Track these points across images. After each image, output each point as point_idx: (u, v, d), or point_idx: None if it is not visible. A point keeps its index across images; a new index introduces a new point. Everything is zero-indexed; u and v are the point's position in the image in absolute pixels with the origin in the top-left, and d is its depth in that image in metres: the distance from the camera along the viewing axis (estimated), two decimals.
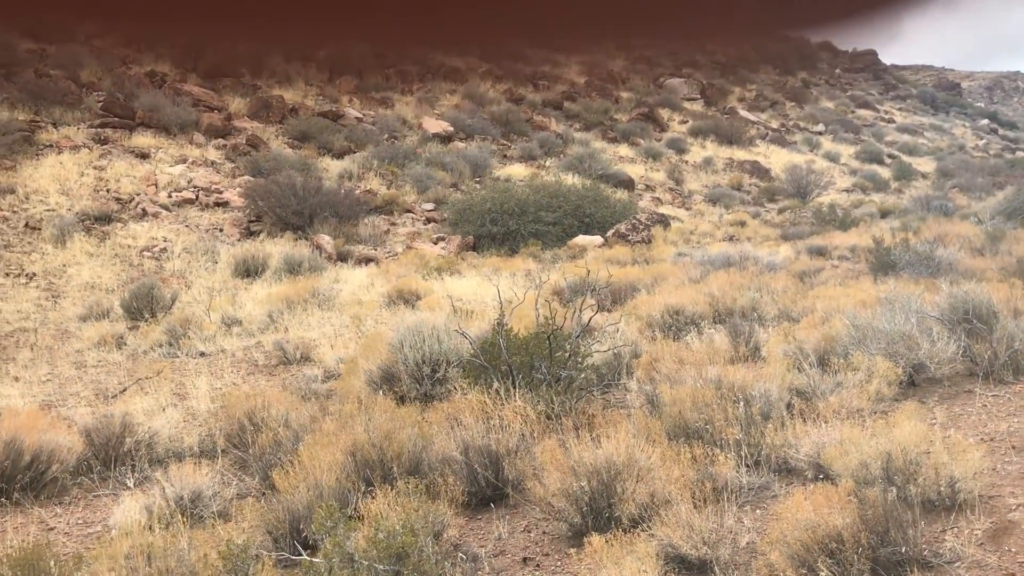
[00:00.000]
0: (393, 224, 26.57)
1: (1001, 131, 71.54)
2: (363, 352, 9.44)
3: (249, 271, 19.67)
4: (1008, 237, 19.52)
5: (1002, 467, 5.77)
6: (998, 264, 15.52)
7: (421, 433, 6.42)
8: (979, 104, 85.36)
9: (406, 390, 8.43)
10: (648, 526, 4.96)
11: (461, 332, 8.01)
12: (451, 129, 38.23)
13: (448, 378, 8.40)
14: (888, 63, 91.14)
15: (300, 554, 3.93)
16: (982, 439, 6.30)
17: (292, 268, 19.18)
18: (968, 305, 8.26)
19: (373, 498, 5.12)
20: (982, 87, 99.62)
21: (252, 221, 24.49)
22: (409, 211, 27.82)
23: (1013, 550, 4.60)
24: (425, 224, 27.19)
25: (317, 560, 3.53)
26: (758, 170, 41.93)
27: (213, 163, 28.82)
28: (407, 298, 15.01)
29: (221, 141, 30.66)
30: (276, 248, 21.64)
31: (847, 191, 41.45)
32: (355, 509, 5.10)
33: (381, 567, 3.38)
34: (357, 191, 27.32)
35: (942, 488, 5.16)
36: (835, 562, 4.34)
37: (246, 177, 27.19)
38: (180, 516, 5.49)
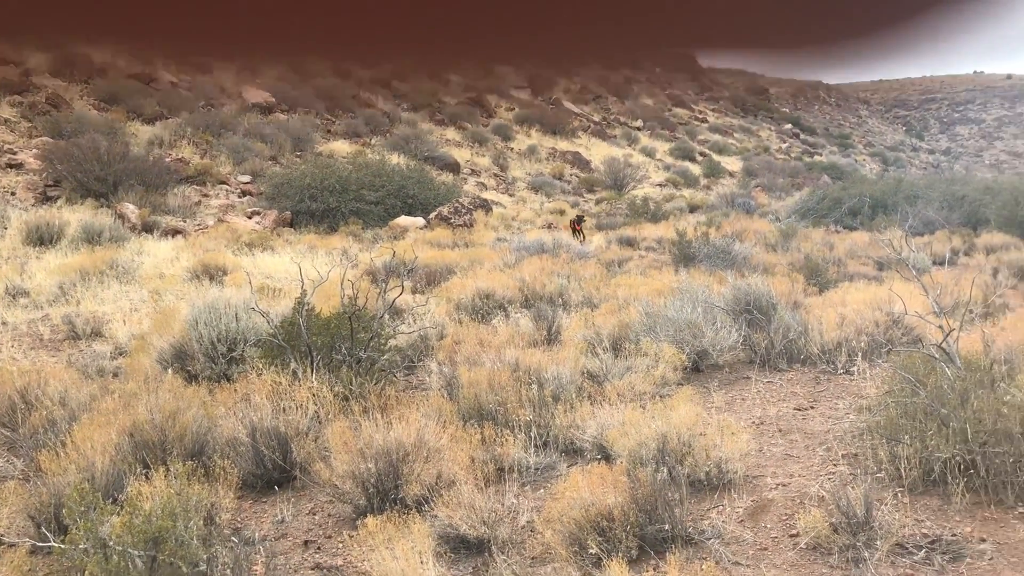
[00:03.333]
0: (205, 196, 25.46)
1: (802, 136, 76.86)
2: (156, 328, 8.98)
3: (43, 239, 18.26)
4: (799, 235, 21.03)
5: (767, 449, 6.20)
6: (788, 260, 16.69)
7: (207, 414, 6.19)
8: (784, 109, 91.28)
9: (200, 369, 8.10)
10: (431, 507, 5.00)
11: (259, 310, 7.77)
12: (273, 100, 37.04)
13: (245, 358, 8.13)
14: (705, 66, 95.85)
15: (57, 541, 3.69)
16: (753, 423, 6.75)
17: (91, 237, 17.98)
18: (750, 297, 8.82)
19: (150, 481, 4.90)
20: (788, 93, 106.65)
21: (50, 186, 22.79)
22: (224, 183, 26.73)
23: (768, 526, 4.95)
24: (240, 197, 26.22)
25: (68, 547, 3.32)
26: (579, 161, 43.10)
27: (7, 121, 26.62)
28: (213, 273, 14.40)
29: (17, 98, 28.33)
30: (75, 216, 20.20)
31: (660, 185, 43.32)
32: (126, 493, 4.85)
33: (136, 552, 3.23)
34: (168, 159, 26.01)
35: (711, 469, 5.49)
36: (605, 539, 4.53)
37: (44, 138, 25.27)
38: None
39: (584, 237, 21.77)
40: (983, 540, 4.49)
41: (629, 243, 20.87)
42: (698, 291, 8.98)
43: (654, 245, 20.79)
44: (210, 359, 8.14)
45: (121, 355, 9.67)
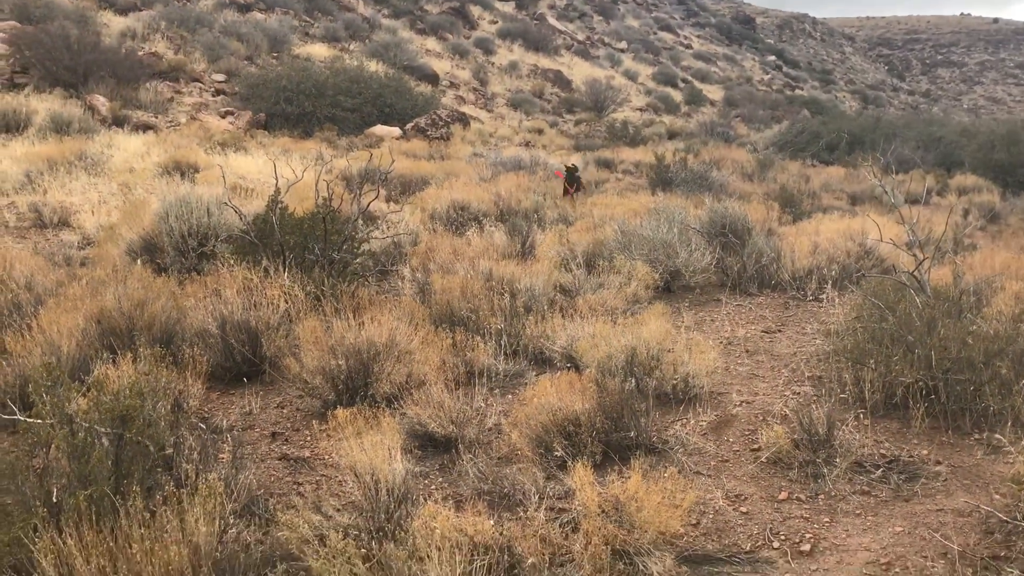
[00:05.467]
0: (178, 92, 24.81)
1: (785, 68, 76.24)
2: (125, 220, 8.84)
3: (9, 126, 17.77)
4: (776, 166, 21.03)
5: (734, 368, 6.28)
6: (764, 189, 16.72)
7: (176, 305, 6.13)
8: (769, 41, 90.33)
9: (169, 263, 8.00)
10: (401, 405, 5.02)
11: (232, 206, 7.64)
12: None
13: (216, 254, 8.03)
14: None
15: (24, 417, 3.65)
16: (721, 343, 6.82)
17: (60, 128, 17.53)
18: (726, 220, 8.83)
19: (117, 367, 4.86)
20: (774, 24, 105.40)
21: (17, 72, 22.04)
22: (197, 80, 26.04)
23: (731, 440, 5.04)
24: (214, 96, 25.59)
25: (34, 421, 3.30)
26: (561, 80, 42.48)
27: None
28: (184, 170, 14.14)
29: None
30: (43, 104, 19.64)
31: (641, 110, 42.92)
32: (93, 377, 4.81)
33: (103, 430, 3.21)
34: (140, 52, 25.19)
35: (677, 383, 5.56)
36: (571, 444, 4.59)
37: (12, 23, 24.34)
38: None
39: (578, 189, 14.36)
40: (939, 463, 4.60)
41: (606, 165, 20.75)
42: (674, 212, 8.97)
43: (631, 169, 20.70)
44: (180, 253, 8.03)
45: (89, 245, 9.53)
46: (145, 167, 14.84)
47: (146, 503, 3.10)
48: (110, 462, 3.27)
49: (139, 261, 7.68)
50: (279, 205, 7.54)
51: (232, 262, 7.26)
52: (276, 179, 7.73)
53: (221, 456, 4.52)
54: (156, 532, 2.88)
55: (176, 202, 8.35)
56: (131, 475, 3.30)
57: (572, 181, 14.12)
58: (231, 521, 3.37)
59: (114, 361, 5.03)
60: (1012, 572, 3.19)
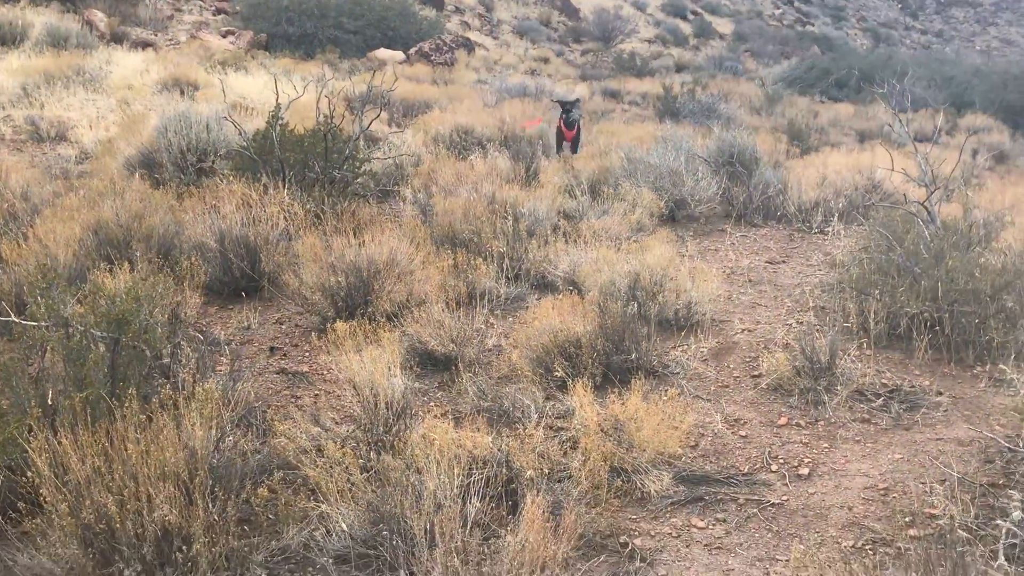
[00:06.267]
0: (178, 10, 24.32)
1: (796, 3, 74.64)
2: (124, 134, 8.69)
3: (4, 39, 17.41)
4: (785, 101, 20.72)
5: (737, 297, 6.23)
6: (771, 123, 16.49)
7: (175, 218, 6.05)
8: None
9: (168, 178, 7.88)
10: (401, 323, 4.98)
11: (232, 120, 7.50)
12: None
13: (215, 170, 7.92)
14: None
15: (18, 320, 3.59)
16: (724, 272, 6.76)
17: (57, 42, 17.17)
18: (734, 150, 8.69)
19: (114, 276, 4.81)
20: None
21: None
22: None
23: (731, 366, 5.01)
24: (215, 15, 25.09)
25: (30, 323, 3.25)
26: (568, 8, 41.61)
27: None
28: (184, 88, 13.89)
29: None
30: (40, 18, 19.20)
31: (649, 41, 42.14)
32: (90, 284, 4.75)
33: (99, 333, 3.16)
34: None
35: (680, 309, 5.51)
36: (571, 365, 4.56)
37: None
38: None
39: (577, 138, 10.93)
40: (940, 393, 4.58)
41: (613, 95, 20.45)
42: (682, 140, 8.82)
43: (638, 100, 20.40)
44: (179, 168, 7.91)
45: (86, 159, 9.39)
46: (144, 84, 14.58)
47: (143, 407, 3.07)
48: (106, 366, 3.23)
49: (137, 175, 7.57)
50: (280, 121, 7.41)
51: (231, 178, 7.16)
52: (276, 94, 7.57)
53: (219, 368, 4.49)
54: (152, 435, 2.85)
55: (175, 117, 8.21)
56: (127, 380, 3.26)
57: (571, 126, 10.54)
58: (228, 429, 3.34)
59: (111, 271, 4.96)
60: (1012, 496, 3.18)
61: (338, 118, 7.58)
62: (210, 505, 2.81)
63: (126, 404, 2.90)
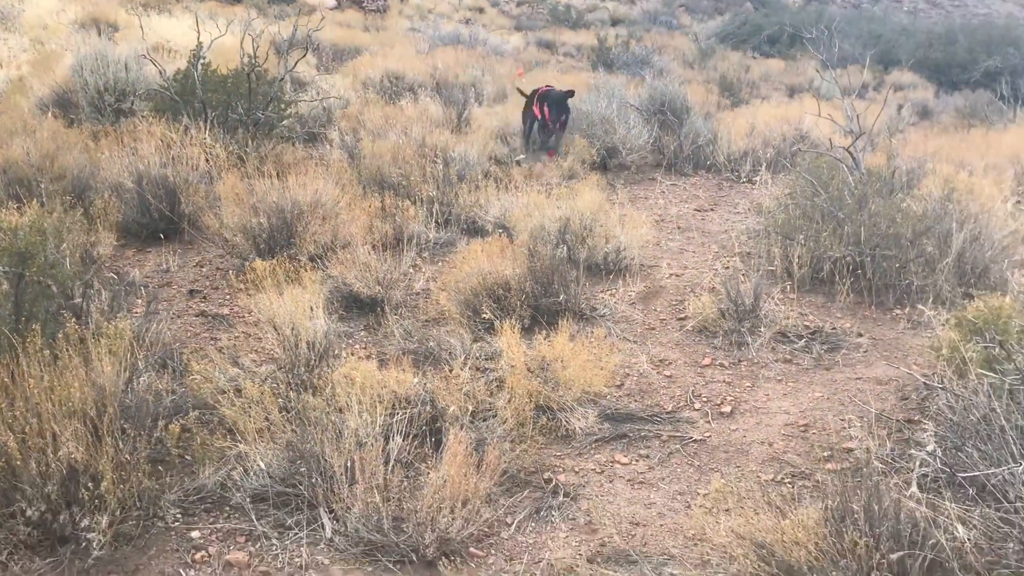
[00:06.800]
0: None
1: None
2: (37, 72, 8.30)
3: None
4: (717, 56, 20.81)
5: (665, 243, 6.26)
6: (704, 77, 16.53)
7: (91, 158, 5.80)
8: None
9: (84, 118, 7.55)
10: (325, 266, 4.87)
11: (151, 59, 7.20)
12: None
13: (135, 111, 7.61)
14: None
15: None
16: (654, 219, 6.76)
17: None
18: (665, 98, 8.68)
19: (22, 214, 4.58)
20: None
21: None
22: None
23: (658, 309, 5.04)
24: None
25: None
26: None
27: None
28: (102, 28, 13.32)
29: None
30: None
31: None
32: None
33: (0, 268, 3.01)
34: None
35: (609, 253, 5.50)
36: (499, 307, 4.52)
37: None
38: None
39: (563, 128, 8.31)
40: (861, 335, 4.67)
41: (548, 47, 20.27)
42: (615, 88, 8.78)
43: (573, 52, 20.25)
44: (96, 109, 7.59)
45: None
46: (60, 23, 13.95)
47: (50, 344, 2.93)
48: (9, 302, 3.08)
49: (50, 114, 7.23)
50: (202, 61, 7.15)
51: (151, 119, 6.89)
52: (198, 33, 7.29)
53: (135, 310, 4.34)
54: (58, 372, 2.73)
55: (91, 56, 7.84)
56: (33, 316, 3.11)
57: (561, 113, 7.94)
58: (142, 368, 3.23)
59: (19, 210, 4.74)
60: (926, 427, 3.26)
61: (263, 60, 7.34)
62: (120, 443, 2.71)
63: (29, 340, 2.76)
